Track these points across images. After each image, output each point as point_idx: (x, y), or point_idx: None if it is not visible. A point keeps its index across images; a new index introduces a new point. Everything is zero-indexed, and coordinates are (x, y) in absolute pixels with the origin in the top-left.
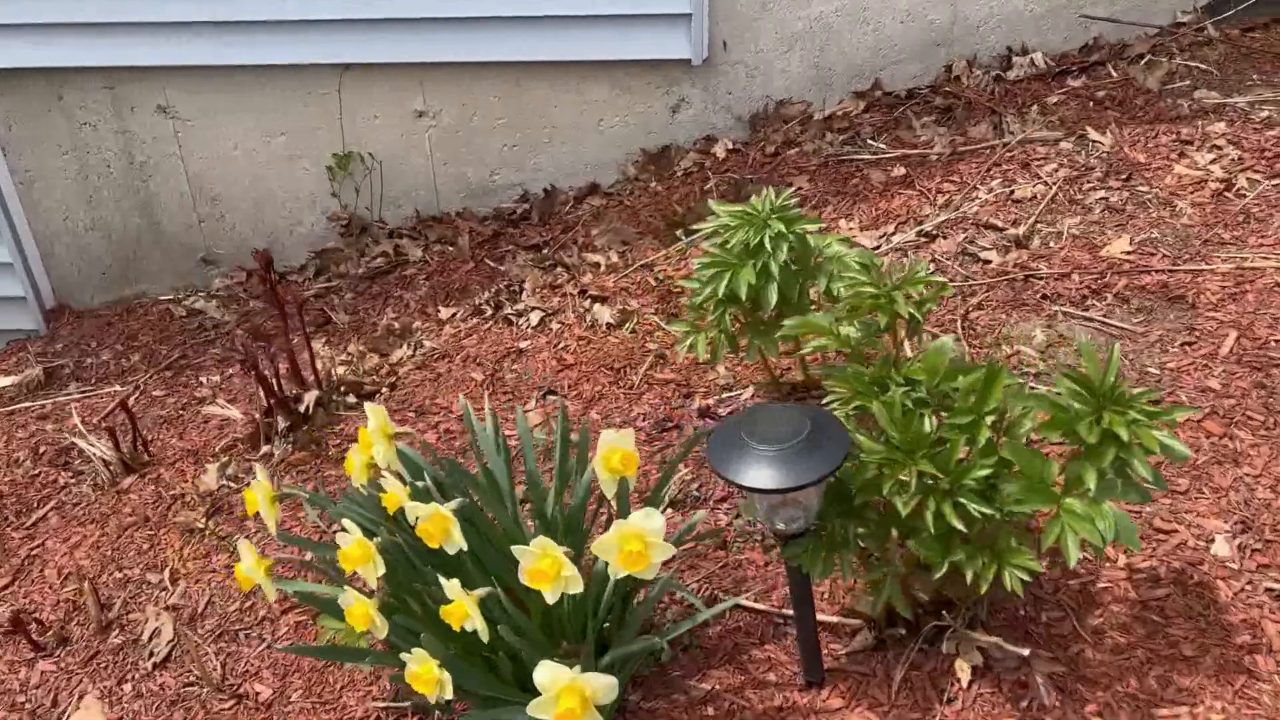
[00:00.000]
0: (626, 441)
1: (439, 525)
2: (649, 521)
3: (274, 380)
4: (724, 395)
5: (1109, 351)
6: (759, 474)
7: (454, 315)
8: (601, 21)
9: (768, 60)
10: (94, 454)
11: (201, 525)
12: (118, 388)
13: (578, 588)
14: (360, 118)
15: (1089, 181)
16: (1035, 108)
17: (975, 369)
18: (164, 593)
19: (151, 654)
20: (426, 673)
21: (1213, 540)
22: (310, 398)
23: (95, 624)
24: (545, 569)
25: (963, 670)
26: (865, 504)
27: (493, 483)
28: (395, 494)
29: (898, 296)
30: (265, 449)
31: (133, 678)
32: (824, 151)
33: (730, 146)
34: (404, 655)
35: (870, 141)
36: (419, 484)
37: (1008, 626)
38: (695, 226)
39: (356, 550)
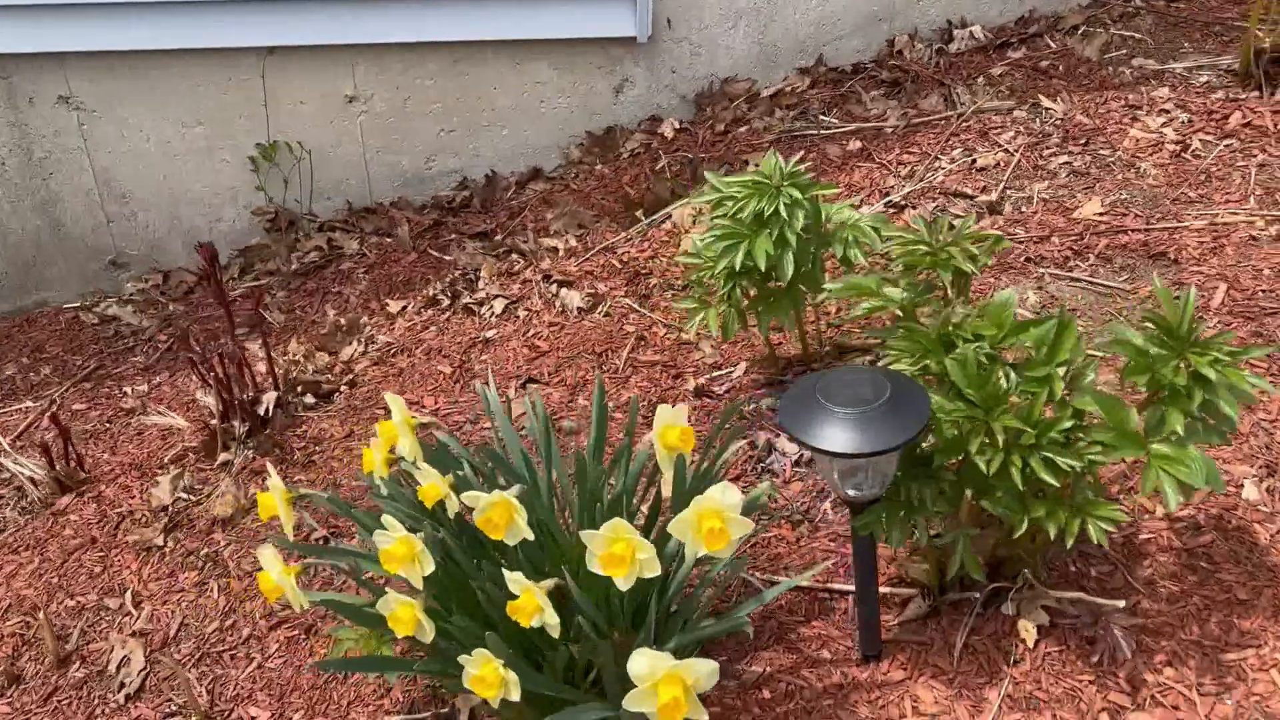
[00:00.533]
0: (681, 416)
1: (504, 514)
2: (727, 496)
3: (225, 383)
4: (715, 374)
5: (1184, 295)
6: (841, 437)
7: (405, 308)
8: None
9: (712, 37)
10: (20, 474)
11: (160, 542)
12: (29, 403)
13: (655, 570)
14: (286, 104)
15: (1049, 147)
16: (981, 79)
17: (1044, 321)
18: (127, 618)
19: (122, 685)
20: (490, 674)
21: (1242, 485)
22: (269, 399)
23: (52, 657)
24: (620, 553)
25: (1027, 631)
26: (940, 466)
27: (530, 469)
28: (435, 485)
29: (954, 252)
30: (223, 457)
31: (102, 712)
32: (775, 128)
33: (677, 126)
34: (462, 658)
35: (821, 117)
36: (460, 472)
37: (1060, 584)
38: (695, 197)
39: (401, 548)
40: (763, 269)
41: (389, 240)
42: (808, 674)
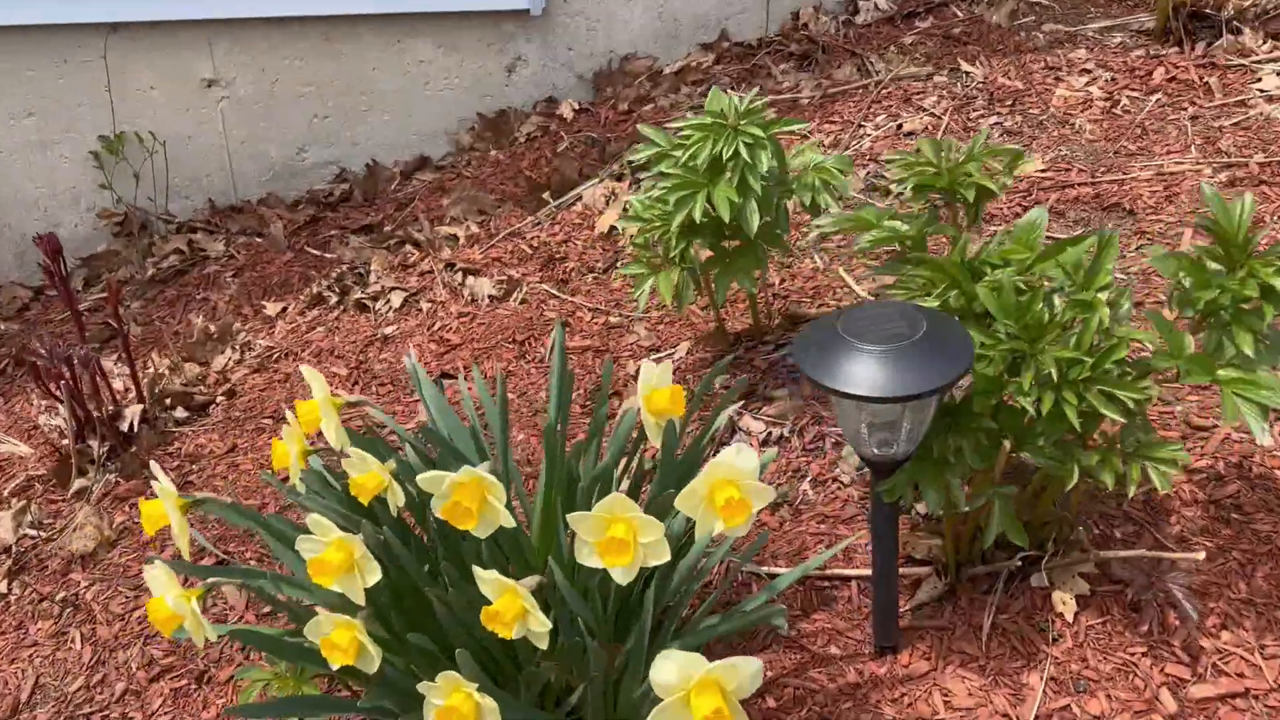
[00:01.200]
0: (668, 375)
1: (474, 496)
2: (744, 459)
3: (79, 396)
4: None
5: (1240, 201)
6: (875, 379)
7: (285, 309)
8: None
9: (609, 11)
10: None
11: (3, 589)
12: None
13: (663, 556)
14: (135, 90)
15: (975, 110)
16: (893, 49)
17: (1080, 240)
18: None
19: None
20: (463, 704)
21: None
22: (134, 413)
23: None
24: (620, 537)
25: (1065, 603)
26: (973, 414)
27: (483, 454)
28: (373, 473)
29: (973, 170)
30: (79, 483)
31: None
32: (683, 105)
33: (577, 107)
34: (424, 686)
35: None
36: (400, 458)
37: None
38: (604, 175)
39: (336, 554)
40: (726, 219)
41: (260, 240)
42: (817, 675)
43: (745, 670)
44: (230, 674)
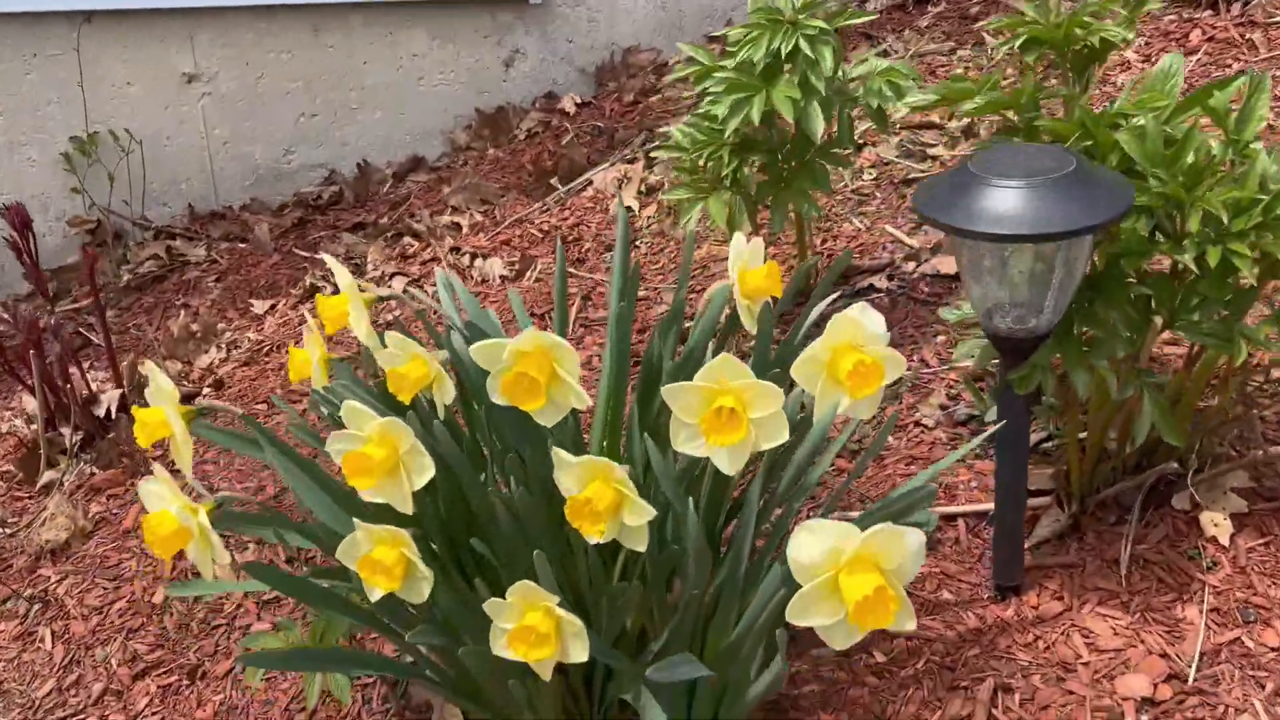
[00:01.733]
0: (760, 252)
1: (541, 365)
2: (870, 319)
3: (49, 379)
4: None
5: None
6: (1019, 214)
7: (275, 306)
8: None
9: (611, 1)
10: None
11: None
12: None
13: (780, 436)
14: (109, 86)
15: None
16: (908, 31)
17: (1228, 83)
18: None
19: None
20: (543, 623)
21: None
22: (112, 398)
23: None
24: (731, 407)
25: (1217, 524)
26: (1120, 281)
27: None
28: (419, 360)
29: (1090, 21)
30: (48, 476)
31: None
32: (693, 96)
33: (579, 101)
34: (491, 604)
35: None
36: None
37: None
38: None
39: (378, 449)
40: (791, 118)
41: (244, 245)
42: (931, 623)
43: (909, 543)
44: (229, 668)
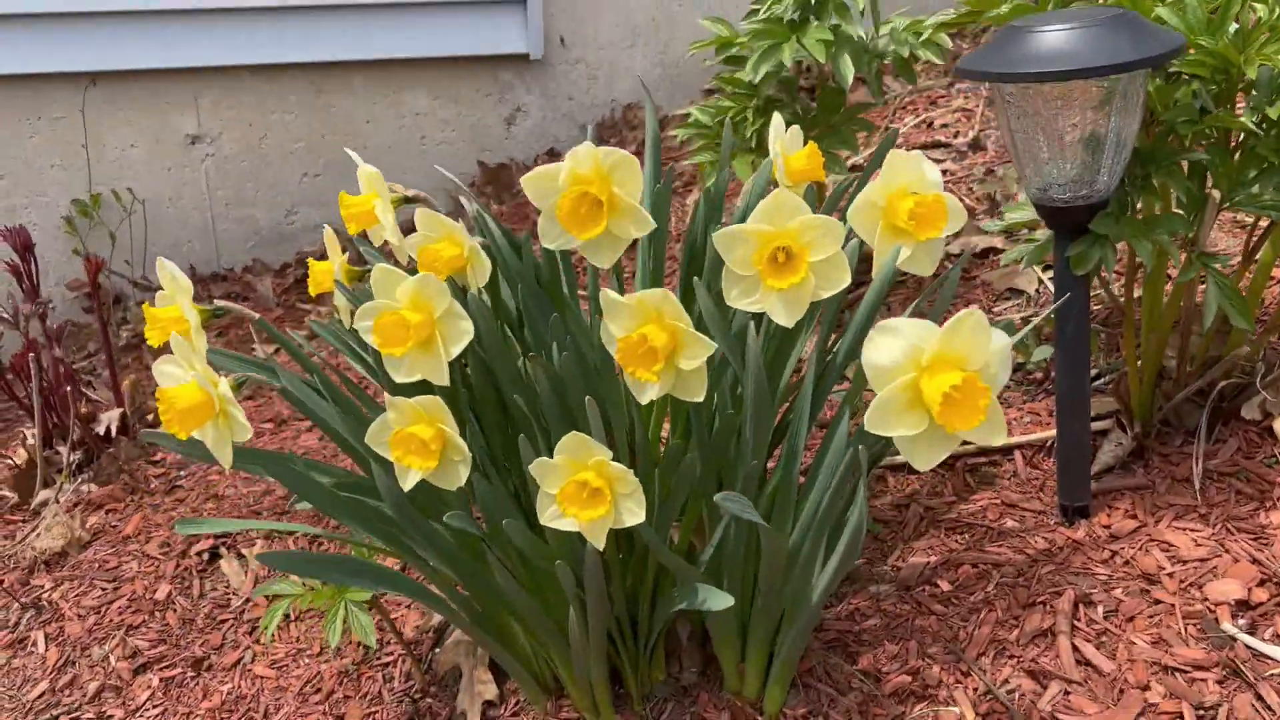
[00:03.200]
0: (799, 135)
1: (601, 183)
2: (926, 163)
3: (46, 394)
4: None
5: None
6: (1072, 52)
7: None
8: (420, 10)
9: (611, 58)
10: None
11: None
12: None
13: (842, 280)
14: (113, 148)
15: None
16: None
17: None
18: None
19: None
20: (596, 478)
21: None
22: (112, 416)
23: None
24: (790, 247)
25: None
26: (1175, 148)
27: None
28: (453, 237)
29: None
30: (43, 495)
31: None
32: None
33: None
34: (538, 465)
35: None
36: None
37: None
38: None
39: (413, 313)
40: (822, 59)
41: (245, 302)
42: (995, 550)
43: (995, 341)
44: (237, 659)
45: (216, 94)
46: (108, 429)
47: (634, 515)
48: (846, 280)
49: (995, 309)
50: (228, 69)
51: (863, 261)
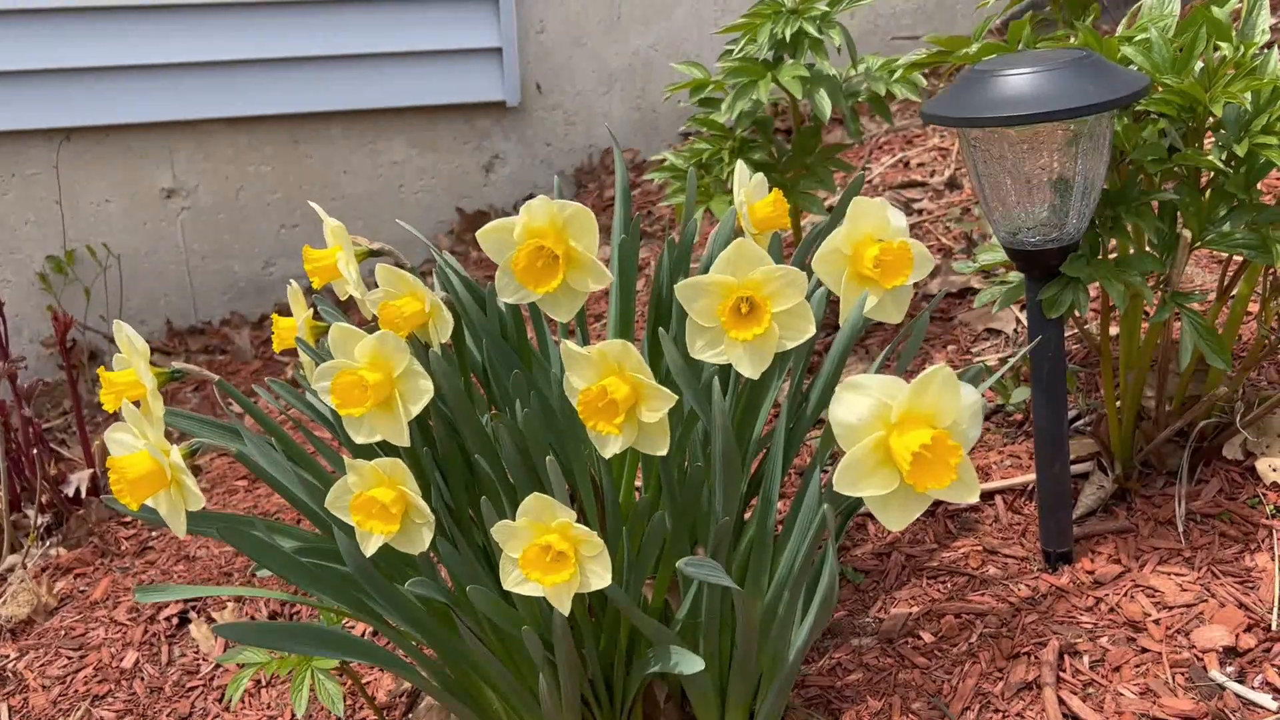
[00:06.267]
0: (764, 182)
1: (555, 235)
2: (891, 211)
3: (13, 457)
4: None
5: None
6: (1035, 94)
7: (257, 400)
8: (396, 61)
9: (587, 104)
10: None
11: None
12: None
13: (806, 331)
14: (88, 204)
15: None
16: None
17: None
18: None
19: None
20: (560, 540)
21: None
22: (81, 477)
23: None
24: (753, 296)
25: (1277, 469)
26: (1143, 189)
27: (533, 320)
28: (414, 295)
29: None
30: (10, 560)
31: None
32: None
33: None
34: (500, 528)
35: None
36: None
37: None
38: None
39: (371, 372)
40: (799, 96)
41: (223, 356)
42: (978, 598)
43: (964, 397)
44: (221, 657)
45: (191, 147)
46: (77, 490)
47: (600, 579)
48: (811, 331)
49: (973, 349)
50: (203, 122)
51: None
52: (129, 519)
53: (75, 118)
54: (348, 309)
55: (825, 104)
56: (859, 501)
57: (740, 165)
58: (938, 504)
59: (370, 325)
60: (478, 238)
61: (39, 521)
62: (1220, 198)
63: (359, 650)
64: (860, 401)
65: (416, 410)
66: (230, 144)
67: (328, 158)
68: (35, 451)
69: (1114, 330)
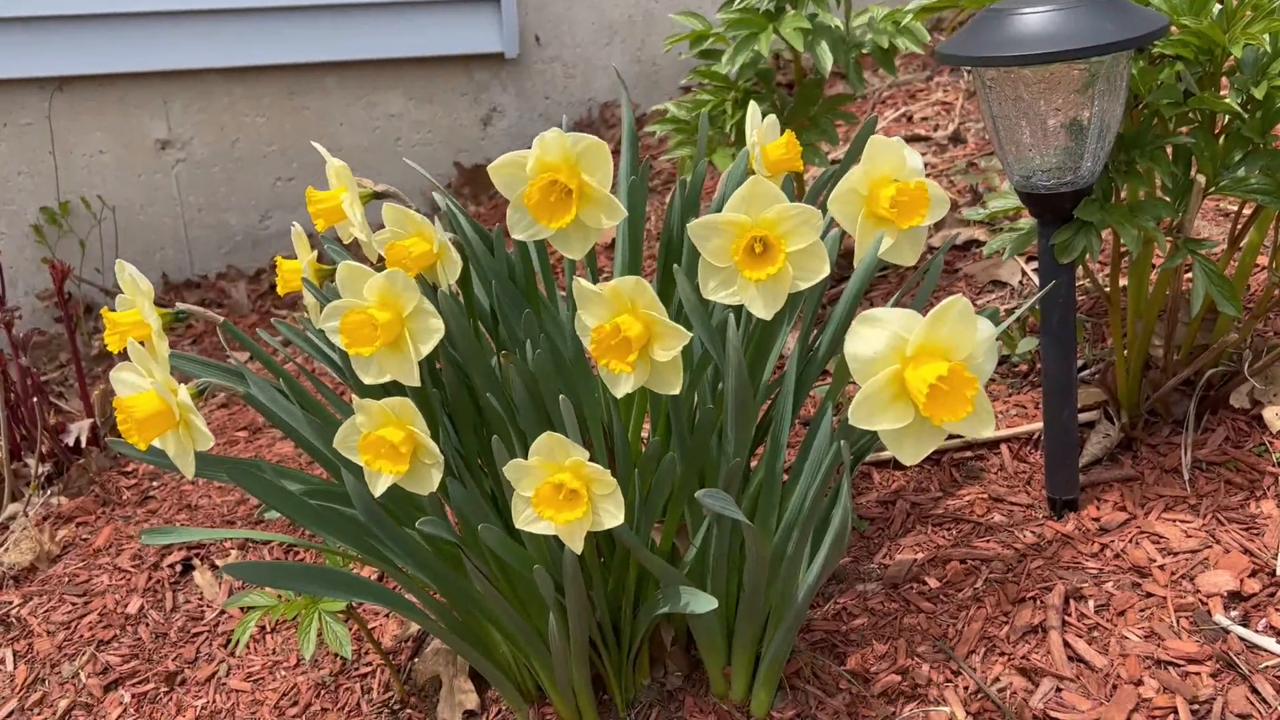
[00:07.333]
0: (776, 124)
1: (569, 170)
2: (909, 150)
3: (13, 406)
4: None
5: None
6: (1052, 33)
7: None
8: (393, 10)
9: (586, 56)
10: None
11: None
12: None
13: (821, 270)
14: (81, 155)
15: None
16: (882, 70)
17: None
18: None
19: None
20: (572, 479)
21: None
22: (82, 426)
23: None
24: (767, 236)
25: None
26: (1158, 132)
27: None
28: (422, 234)
29: None
30: (11, 509)
31: None
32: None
33: None
34: (512, 467)
35: None
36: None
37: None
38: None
39: (381, 311)
40: (800, 48)
41: (220, 310)
42: (983, 545)
43: (980, 330)
44: (211, 672)
45: (187, 98)
46: (77, 440)
47: (612, 517)
48: (825, 270)
49: (978, 301)
50: (198, 72)
51: (843, 257)
52: (130, 469)
53: (68, 66)
54: (351, 254)
55: (826, 57)
56: (868, 447)
57: (753, 106)
58: (942, 452)
59: (376, 269)
60: (489, 171)
61: (39, 471)
62: (1235, 142)
63: (368, 591)
64: (876, 335)
65: (426, 350)
66: (226, 94)
67: (324, 110)
68: (35, 401)
69: (1122, 281)
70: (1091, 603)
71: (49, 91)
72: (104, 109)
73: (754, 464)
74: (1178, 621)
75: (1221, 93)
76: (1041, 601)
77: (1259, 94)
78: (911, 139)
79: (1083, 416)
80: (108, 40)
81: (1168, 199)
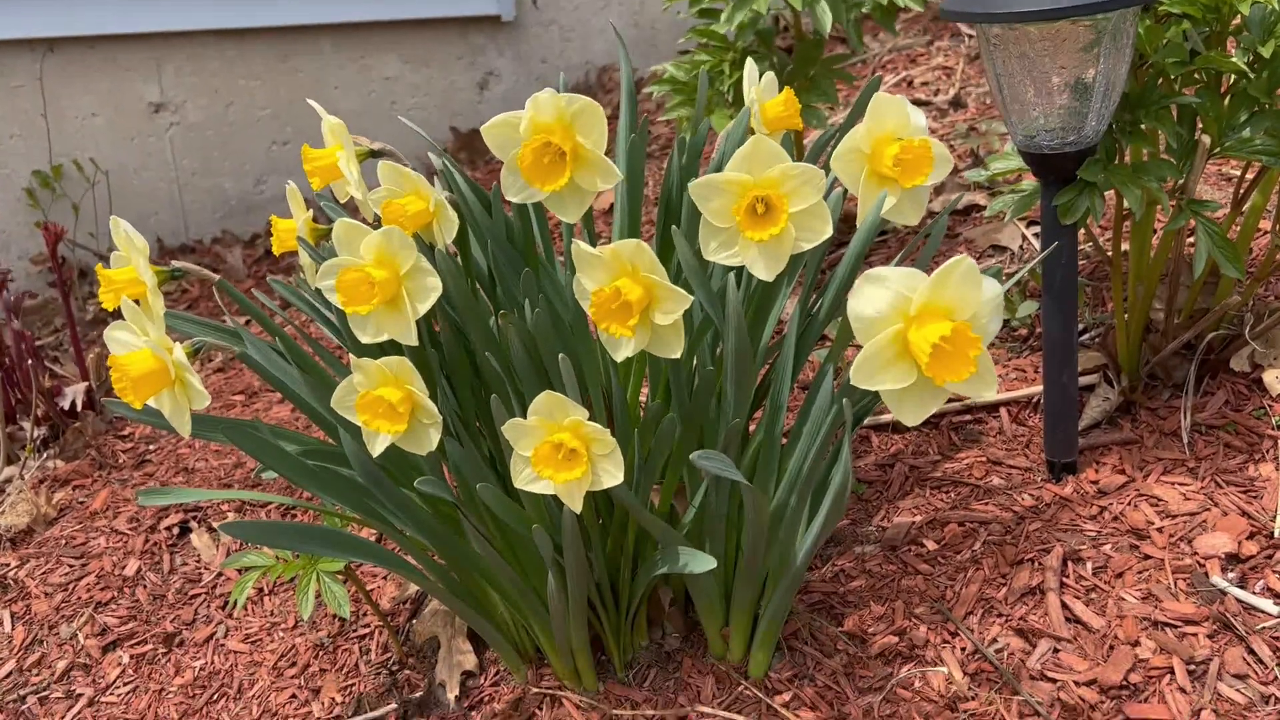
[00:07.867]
0: (774, 82)
1: (563, 131)
2: (913, 108)
3: (8, 371)
4: None
5: None
6: None
7: (249, 322)
8: None
9: (584, 19)
10: None
11: None
12: None
13: (823, 231)
14: (73, 117)
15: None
16: (882, 34)
17: None
18: None
19: None
20: (572, 438)
21: None
22: (77, 391)
23: None
24: (769, 195)
25: None
26: (1163, 92)
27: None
28: (417, 193)
29: None
30: (7, 473)
31: None
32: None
33: None
34: (510, 426)
35: None
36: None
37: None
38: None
39: (378, 269)
40: (799, 6)
41: (216, 274)
42: (982, 507)
43: (985, 289)
44: (209, 633)
45: (180, 60)
46: (73, 404)
47: (612, 476)
48: (828, 231)
49: (979, 266)
50: (191, 34)
51: (842, 221)
52: (126, 432)
53: (59, 27)
54: (348, 214)
55: (826, 15)
56: (867, 409)
57: (750, 64)
58: (941, 415)
59: (373, 229)
60: (482, 132)
61: (35, 434)
62: (1241, 102)
63: (367, 551)
64: (880, 294)
65: (424, 309)
66: (219, 57)
67: (318, 73)
68: (29, 364)
69: (1124, 245)
70: (1089, 565)
71: (40, 53)
72: (96, 71)
73: (752, 428)
74: (1175, 583)
75: (1228, 52)
76: (1039, 563)
77: (1266, 53)
78: (912, 103)
79: (1082, 380)
80: (98, 1)
81: (1172, 160)
